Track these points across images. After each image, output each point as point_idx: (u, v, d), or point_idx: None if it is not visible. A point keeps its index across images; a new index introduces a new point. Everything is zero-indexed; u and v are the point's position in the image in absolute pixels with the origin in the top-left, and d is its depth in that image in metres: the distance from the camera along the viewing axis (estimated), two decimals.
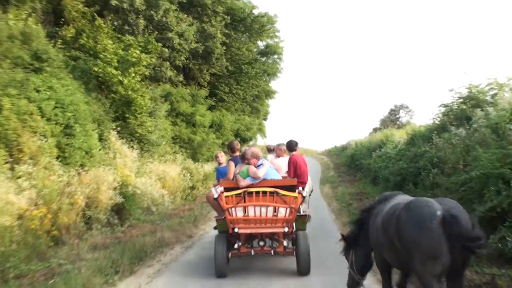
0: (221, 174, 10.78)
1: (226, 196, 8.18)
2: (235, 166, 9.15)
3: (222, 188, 8.32)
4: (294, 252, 8.68)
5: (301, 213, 9.04)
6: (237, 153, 10.02)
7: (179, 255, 10.59)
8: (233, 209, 8.21)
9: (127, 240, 10.75)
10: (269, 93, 42.88)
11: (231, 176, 9.07)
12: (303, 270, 8.48)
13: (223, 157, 11.58)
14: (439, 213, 4.69)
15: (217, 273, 8.52)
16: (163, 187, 17.22)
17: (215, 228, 9.48)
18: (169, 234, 11.86)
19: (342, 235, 6.55)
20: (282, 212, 8.23)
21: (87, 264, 8.54)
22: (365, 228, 6.03)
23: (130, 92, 17.03)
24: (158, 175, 17.46)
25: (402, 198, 5.57)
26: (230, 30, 30.33)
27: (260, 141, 43.33)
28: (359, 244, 6.18)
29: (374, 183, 20.75)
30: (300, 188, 8.68)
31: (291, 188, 8.37)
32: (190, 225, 13.51)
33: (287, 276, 8.62)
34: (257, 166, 8.59)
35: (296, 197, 8.21)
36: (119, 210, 13.39)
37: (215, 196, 8.42)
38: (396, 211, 5.15)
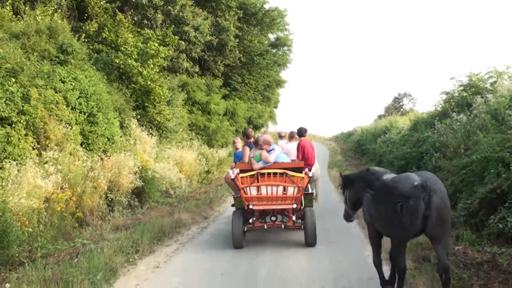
0: (238, 158, 11.06)
1: (242, 177, 8.80)
2: (250, 151, 9.56)
3: (238, 170, 8.92)
4: (302, 226, 9.16)
5: (309, 191, 9.70)
6: (252, 139, 10.31)
7: (195, 235, 10.57)
8: (248, 188, 8.79)
9: (146, 221, 10.71)
10: (279, 83, 42.77)
11: (246, 159, 9.47)
12: (310, 241, 8.97)
13: (239, 143, 11.96)
14: (416, 183, 5.22)
15: (235, 244, 9.05)
16: (180, 172, 17.15)
17: (232, 205, 9.89)
18: (186, 215, 11.81)
19: (340, 173, 7.23)
20: (291, 190, 8.80)
21: (109, 244, 8.51)
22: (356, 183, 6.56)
23: (149, 83, 16.95)
24: (175, 160, 17.41)
25: (388, 177, 5.96)
26: (243, 23, 30.19)
27: (271, 128, 43.32)
28: (353, 187, 6.66)
29: (379, 167, 20.55)
30: (306, 169, 9.20)
31: (299, 170, 8.92)
32: (205, 207, 13.47)
33: (296, 247, 9.12)
34: (269, 151, 9.09)
35: (303, 177, 8.73)
36: (139, 193, 13.37)
37: (232, 177, 8.98)
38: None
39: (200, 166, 19.42)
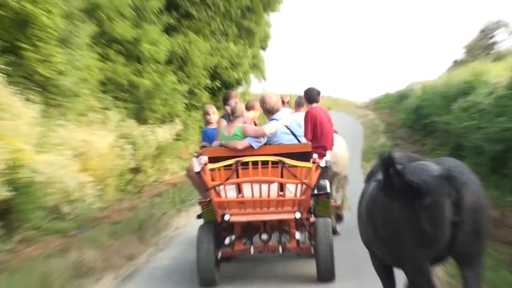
0: (209, 138, 11.75)
1: (212, 169, 9.29)
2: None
3: (206, 158, 9.36)
4: (312, 249, 9.70)
5: (326, 191, 10.27)
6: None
7: None
8: (221, 187, 9.29)
9: (17, 267, 10.59)
10: (269, 3, 41.85)
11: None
12: (324, 273, 9.48)
13: (215, 114, 12.65)
14: (436, 173, 5.66)
15: (202, 282, 9.74)
16: (83, 170, 17.00)
17: (198, 216, 10.58)
18: (94, 254, 11.69)
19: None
20: (291, 190, 9.35)
21: None
22: None
23: (25, 4, 16.54)
24: (75, 149, 17.17)
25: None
26: None
27: (257, 85, 43.12)
28: None
29: (456, 156, 20.45)
30: (315, 155, 9.45)
31: (304, 156, 9.39)
32: (131, 238, 13.40)
33: (302, 284, 9.73)
34: (270, 121, 10.08)
35: (309, 168, 9.19)
36: (4, 213, 13.11)
37: (197, 169, 9.42)
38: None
39: (121, 159, 19.46)
